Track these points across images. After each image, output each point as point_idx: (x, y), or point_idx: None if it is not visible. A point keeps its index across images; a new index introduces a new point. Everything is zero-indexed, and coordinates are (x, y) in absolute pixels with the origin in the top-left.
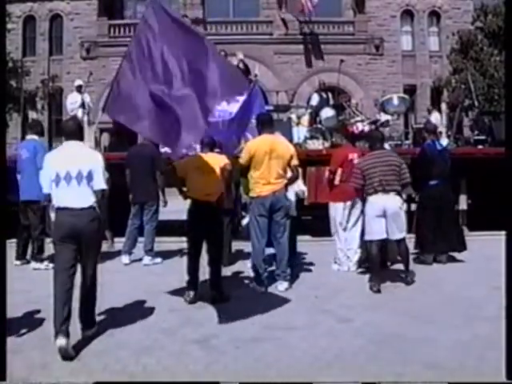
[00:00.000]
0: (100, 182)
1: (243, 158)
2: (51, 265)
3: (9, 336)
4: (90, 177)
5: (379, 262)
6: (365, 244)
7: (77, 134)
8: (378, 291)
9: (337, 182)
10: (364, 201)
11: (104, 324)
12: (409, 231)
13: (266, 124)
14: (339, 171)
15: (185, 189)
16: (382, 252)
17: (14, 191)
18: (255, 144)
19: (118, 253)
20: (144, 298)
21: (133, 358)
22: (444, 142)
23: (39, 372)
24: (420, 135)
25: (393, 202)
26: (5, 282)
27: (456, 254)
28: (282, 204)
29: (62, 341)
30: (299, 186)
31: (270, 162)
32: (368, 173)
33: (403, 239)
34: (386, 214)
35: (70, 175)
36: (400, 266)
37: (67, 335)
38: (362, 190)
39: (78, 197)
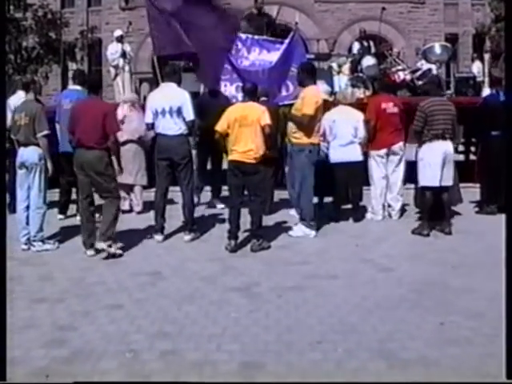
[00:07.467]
0: (189, 114)
1: (313, 110)
2: None
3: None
4: (179, 111)
5: (431, 208)
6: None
7: (172, 76)
8: (428, 235)
9: (373, 130)
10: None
11: (144, 273)
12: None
13: (310, 73)
14: (374, 120)
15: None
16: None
17: (53, 143)
18: (320, 96)
19: None
20: (184, 247)
21: (174, 305)
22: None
23: (81, 319)
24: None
25: (451, 149)
26: (5, 279)
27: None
28: None
29: (158, 237)
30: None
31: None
32: (431, 118)
33: (448, 188)
34: (445, 160)
35: (165, 110)
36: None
37: (162, 231)
38: (420, 133)
39: (172, 126)
